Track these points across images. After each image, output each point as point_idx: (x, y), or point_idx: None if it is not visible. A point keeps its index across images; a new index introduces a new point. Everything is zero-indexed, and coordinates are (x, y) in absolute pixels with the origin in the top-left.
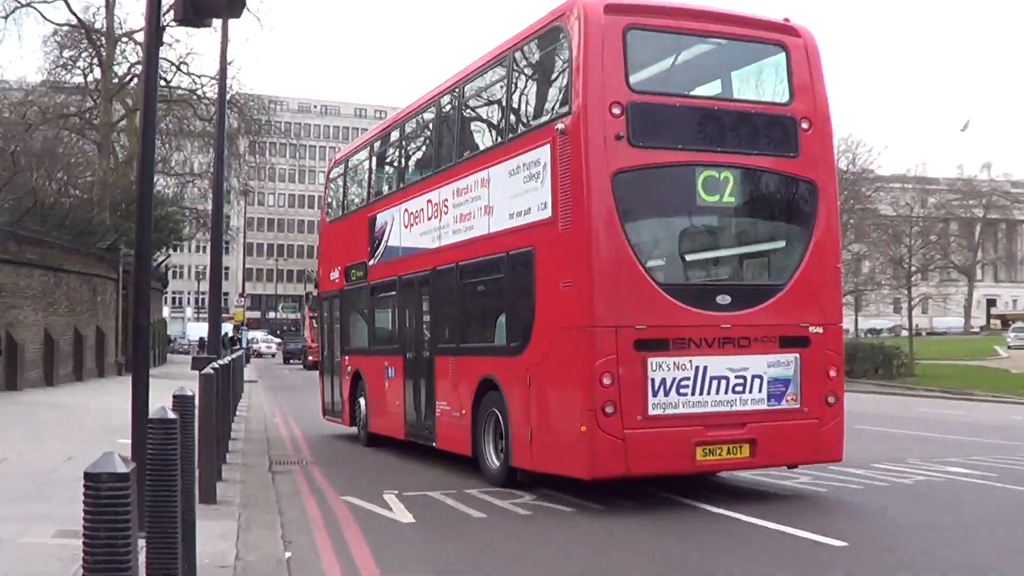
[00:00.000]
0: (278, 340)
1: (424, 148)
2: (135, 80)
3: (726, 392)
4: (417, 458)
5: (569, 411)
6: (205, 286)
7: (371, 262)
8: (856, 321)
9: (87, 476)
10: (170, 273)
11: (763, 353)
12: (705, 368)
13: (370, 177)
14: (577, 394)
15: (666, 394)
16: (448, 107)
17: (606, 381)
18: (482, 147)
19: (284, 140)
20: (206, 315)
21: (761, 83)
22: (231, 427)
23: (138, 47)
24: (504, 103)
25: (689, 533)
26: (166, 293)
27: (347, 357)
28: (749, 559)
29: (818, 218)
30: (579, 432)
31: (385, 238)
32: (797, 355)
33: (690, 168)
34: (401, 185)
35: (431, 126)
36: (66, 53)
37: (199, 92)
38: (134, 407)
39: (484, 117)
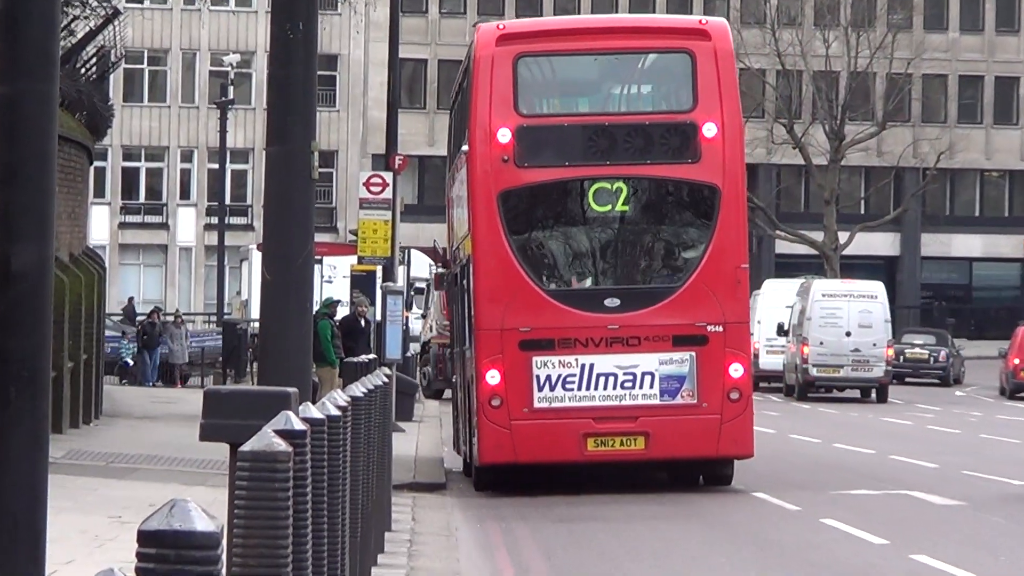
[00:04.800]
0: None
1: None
2: None
3: (615, 388)
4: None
5: (469, 406)
6: (247, 137)
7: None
8: None
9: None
10: (118, 97)
11: (654, 351)
12: (592, 366)
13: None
14: (474, 390)
15: (551, 389)
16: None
17: (491, 377)
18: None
19: None
20: (244, 236)
21: (663, 91)
22: None
23: None
24: (458, 116)
25: None
26: (102, 160)
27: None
28: None
29: (720, 221)
30: (475, 424)
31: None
32: (693, 353)
33: (578, 182)
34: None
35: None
36: None
37: None
38: None
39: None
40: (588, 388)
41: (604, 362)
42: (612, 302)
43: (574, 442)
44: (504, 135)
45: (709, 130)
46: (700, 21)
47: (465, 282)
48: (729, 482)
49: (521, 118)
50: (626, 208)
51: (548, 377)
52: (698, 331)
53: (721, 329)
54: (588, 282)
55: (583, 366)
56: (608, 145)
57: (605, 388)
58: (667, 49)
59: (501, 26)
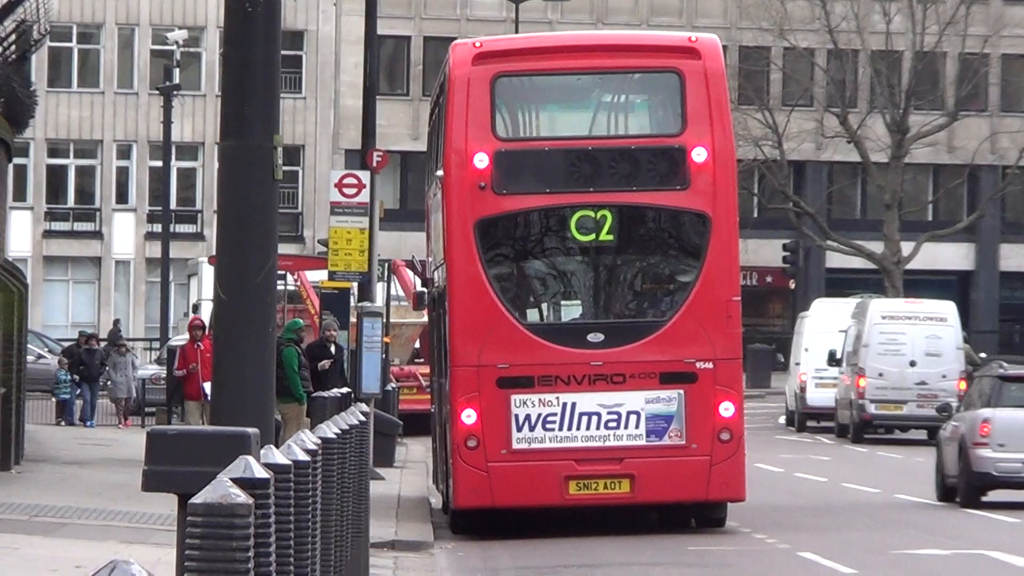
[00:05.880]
0: None
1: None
2: None
3: (598, 428)
4: None
5: (446, 446)
6: (196, 129)
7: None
8: None
9: None
10: (42, 81)
11: (640, 389)
12: (574, 404)
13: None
14: (449, 429)
15: (531, 429)
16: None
17: (467, 417)
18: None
19: None
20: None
21: (650, 113)
22: None
23: None
24: (433, 136)
25: None
26: (23, 157)
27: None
28: None
29: (710, 251)
30: (451, 466)
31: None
32: (681, 391)
33: (560, 210)
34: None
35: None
36: None
37: None
38: None
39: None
40: (570, 428)
41: (587, 400)
42: (596, 337)
43: (555, 485)
44: (481, 160)
45: (699, 155)
46: (690, 39)
47: (441, 312)
48: (722, 525)
49: (499, 142)
50: (611, 237)
51: (527, 416)
52: (687, 368)
53: (711, 366)
54: (570, 316)
55: (564, 405)
56: (591, 171)
57: (588, 428)
58: (654, 68)
59: (478, 44)
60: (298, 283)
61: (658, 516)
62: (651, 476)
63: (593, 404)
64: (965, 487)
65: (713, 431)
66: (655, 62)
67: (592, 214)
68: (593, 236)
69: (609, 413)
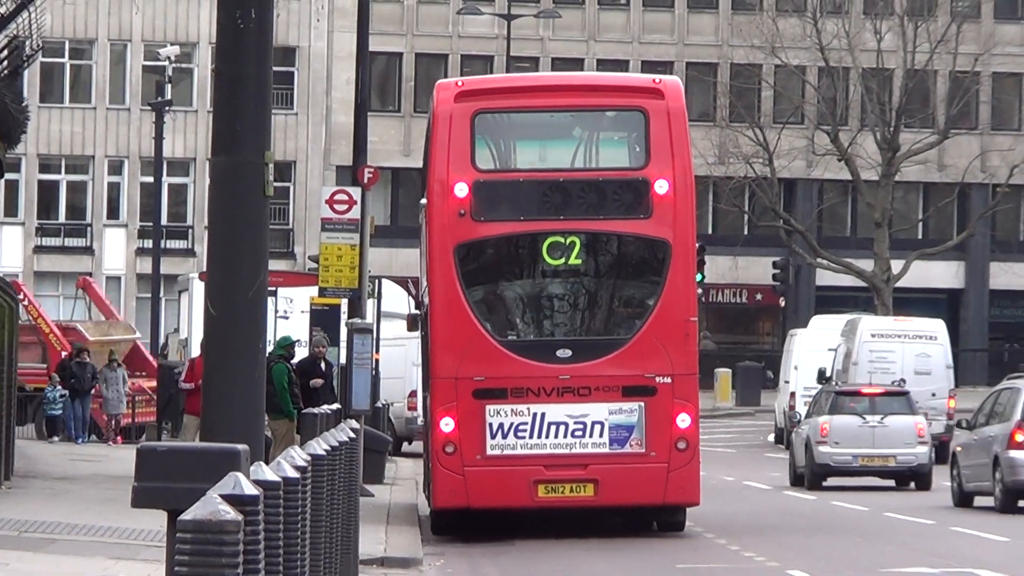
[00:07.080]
0: None
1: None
2: None
3: (565, 436)
4: None
5: (428, 452)
6: (188, 145)
7: None
8: None
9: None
10: (33, 97)
11: (604, 401)
12: (543, 414)
13: None
14: (429, 436)
15: (504, 437)
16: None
17: (445, 425)
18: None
19: None
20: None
21: (617, 147)
22: None
23: None
24: (424, 168)
25: None
26: (15, 172)
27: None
28: None
29: (670, 275)
30: (431, 469)
31: None
32: (642, 403)
33: (533, 236)
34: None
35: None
36: None
37: None
38: None
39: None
40: (539, 436)
41: (555, 411)
42: (564, 353)
43: (525, 488)
44: (461, 189)
45: (661, 187)
46: (654, 80)
47: (426, 330)
48: (682, 529)
49: (478, 173)
50: (579, 262)
51: (501, 425)
52: (647, 382)
53: (669, 380)
54: (541, 333)
55: (535, 415)
56: (562, 200)
57: (556, 436)
58: (621, 107)
59: (460, 83)
60: (24, 300)
61: (622, 520)
62: (613, 481)
63: (561, 414)
64: (810, 475)
65: (671, 440)
66: (622, 101)
67: (562, 240)
68: (563, 260)
69: (575, 423)
